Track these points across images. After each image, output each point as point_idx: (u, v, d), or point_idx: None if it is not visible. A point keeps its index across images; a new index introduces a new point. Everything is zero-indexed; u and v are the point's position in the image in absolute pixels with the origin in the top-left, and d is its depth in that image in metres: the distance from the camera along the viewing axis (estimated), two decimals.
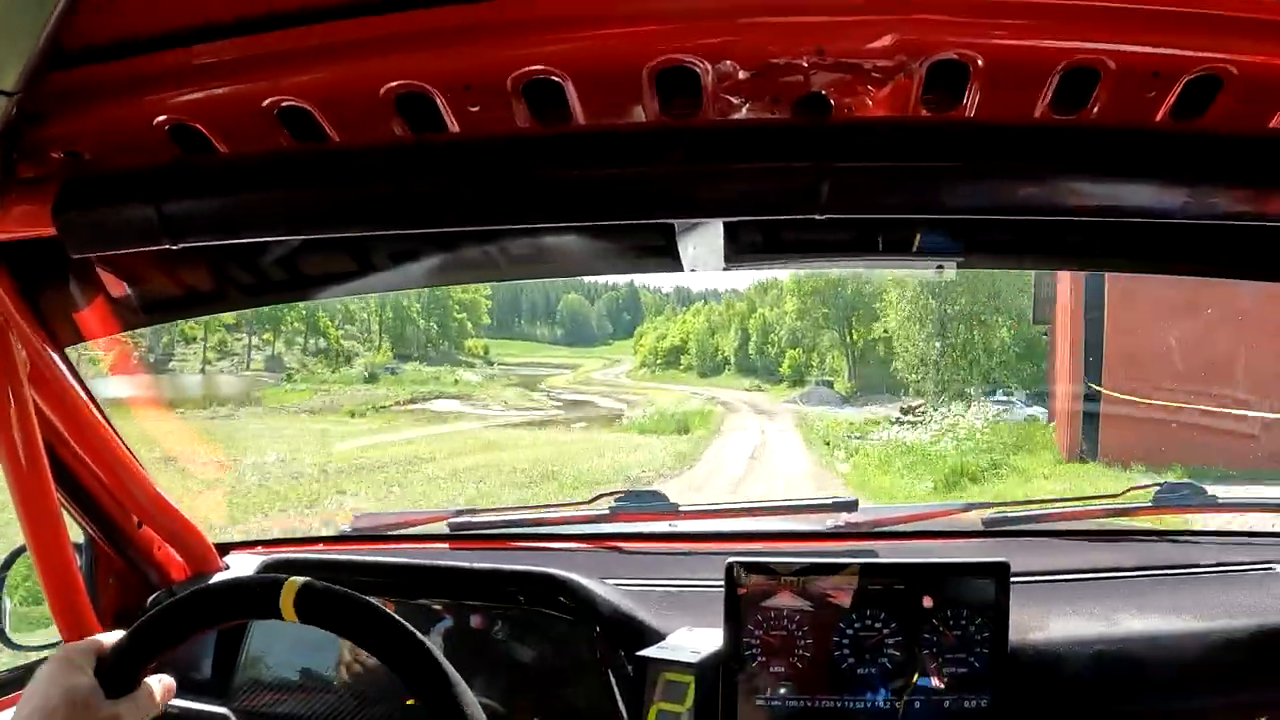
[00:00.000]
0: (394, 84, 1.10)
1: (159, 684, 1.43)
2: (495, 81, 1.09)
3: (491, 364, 64.64)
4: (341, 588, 1.36)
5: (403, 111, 1.14)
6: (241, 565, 2.28)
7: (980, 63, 1.09)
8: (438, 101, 1.12)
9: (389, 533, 2.46)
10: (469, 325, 69.90)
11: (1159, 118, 1.17)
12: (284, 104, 1.13)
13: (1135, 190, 1.26)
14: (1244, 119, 1.18)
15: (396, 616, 1.35)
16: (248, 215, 1.28)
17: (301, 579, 1.34)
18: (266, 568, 2.20)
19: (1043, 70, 1.11)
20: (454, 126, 1.16)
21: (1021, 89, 1.14)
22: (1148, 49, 1.08)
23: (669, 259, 1.70)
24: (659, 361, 65.33)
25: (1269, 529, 2.59)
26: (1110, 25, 1.05)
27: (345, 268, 1.80)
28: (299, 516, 14.80)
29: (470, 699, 1.32)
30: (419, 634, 1.34)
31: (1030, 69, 1.11)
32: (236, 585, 1.50)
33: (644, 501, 2.37)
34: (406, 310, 59.93)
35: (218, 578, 2.20)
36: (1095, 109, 1.16)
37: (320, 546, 2.47)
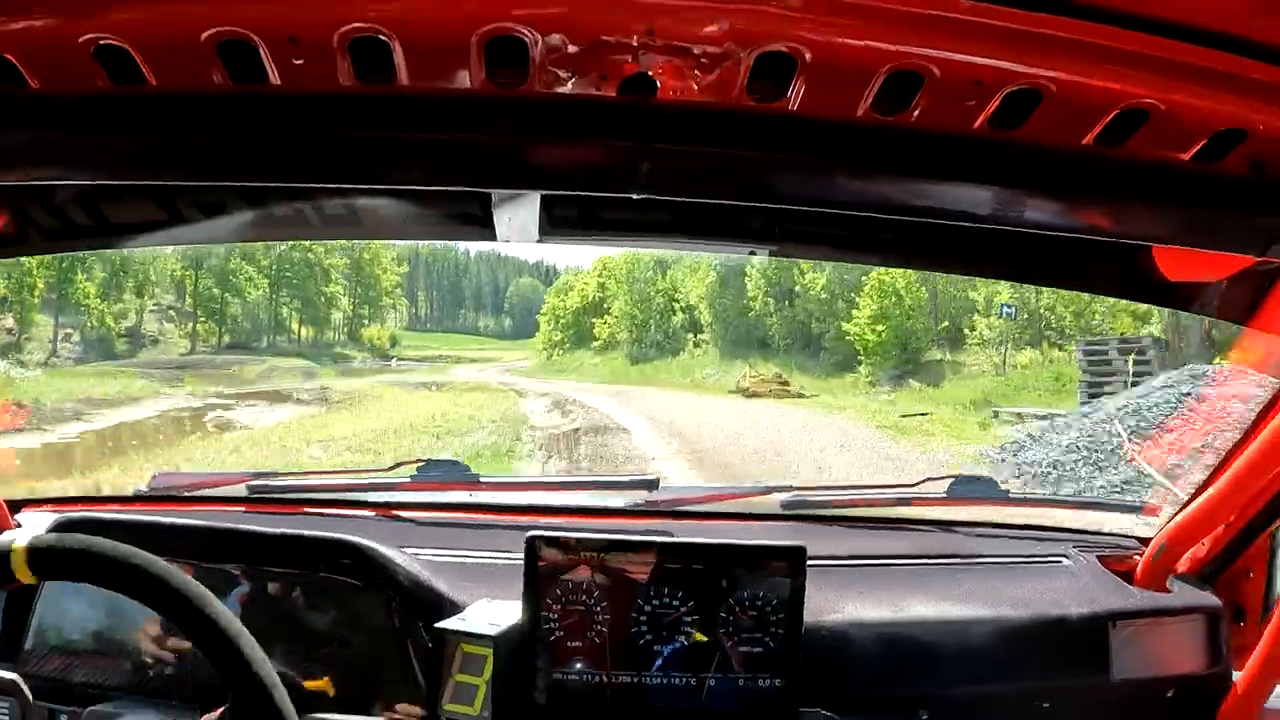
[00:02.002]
0: (217, 29, 1.04)
1: None
2: (321, 35, 1.05)
3: (388, 358, 61.07)
4: (78, 536, 1.31)
5: (225, 59, 1.09)
6: (33, 523, 2.17)
7: (808, 57, 1.09)
8: (260, 51, 1.07)
9: (187, 494, 2.38)
10: (366, 310, 66.08)
11: (977, 125, 1.21)
12: (102, 41, 1.06)
13: (948, 193, 1.30)
14: (1058, 134, 1.23)
15: (147, 556, 1.30)
16: (55, 156, 1.21)
17: (30, 535, 1.29)
18: (59, 526, 2.10)
19: (868, 71, 1.12)
20: (276, 79, 1.12)
21: (846, 87, 1.15)
22: (972, 59, 1.10)
23: (484, 228, 1.68)
24: (563, 343, 58.71)
25: (1058, 524, 2.72)
26: (938, 34, 1.07)
27: (154, 216, 1.72)
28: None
29: (239, 629, 1.30)
30: (173, 569, 1.30)
31: (856, 68, 1.12)
32: None
33: (445, 471, 2.35)
34: (253, 286, 56.29)
35: (6, 535, 2.09)
36: (916, 112, 1.18)
37: (116, 506, 2.37)
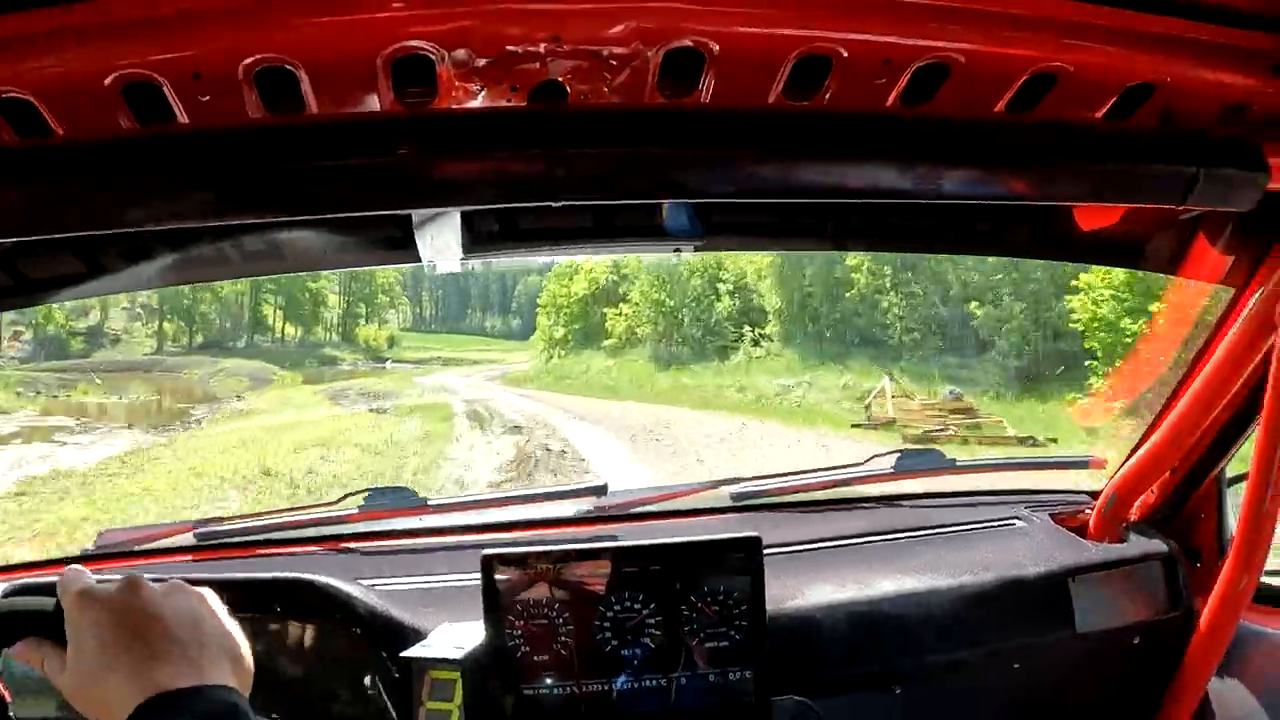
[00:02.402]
0: (119, 73, 1.02)
1: None
2: (226, 70, 1.04)
3: (382, 360, 57.70)
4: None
5: (130, 102, 1.07)
6: None
7: (715, 50, 1.10)
8: (166, 91, 1.06)
9: (135, 549, 2.33)
10: (362, 309, 63.53)
11: (889, 103, 1.22)
12: (4, 95, 1.04)
13: (867, 172, 1.31)
14: (970, 104, 1.24)
15: None
16: None
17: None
18: (9, 593, 2.05)
19: (777, 58, 1.13)
20: (184, 118, 1.10)
21: (756, 76, 1.16)
22: (878, 38, 1.11)
23: (407, 251, 1.67)
24: (565, 341, 45.87)
25: (1008, 487, 2.75)
26: (842, 15, 1.08)
27: (72, 269, 1.69)
28: None
29: None
30: None
31: (765, 57, 1.13)
32: None
33: (391, 498, 2.32)
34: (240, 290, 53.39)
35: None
36: (828, 95, 1.19)
37: (60, 570, 2.32)
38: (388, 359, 58.46)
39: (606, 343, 42.42)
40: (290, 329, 60.16)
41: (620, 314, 41.97)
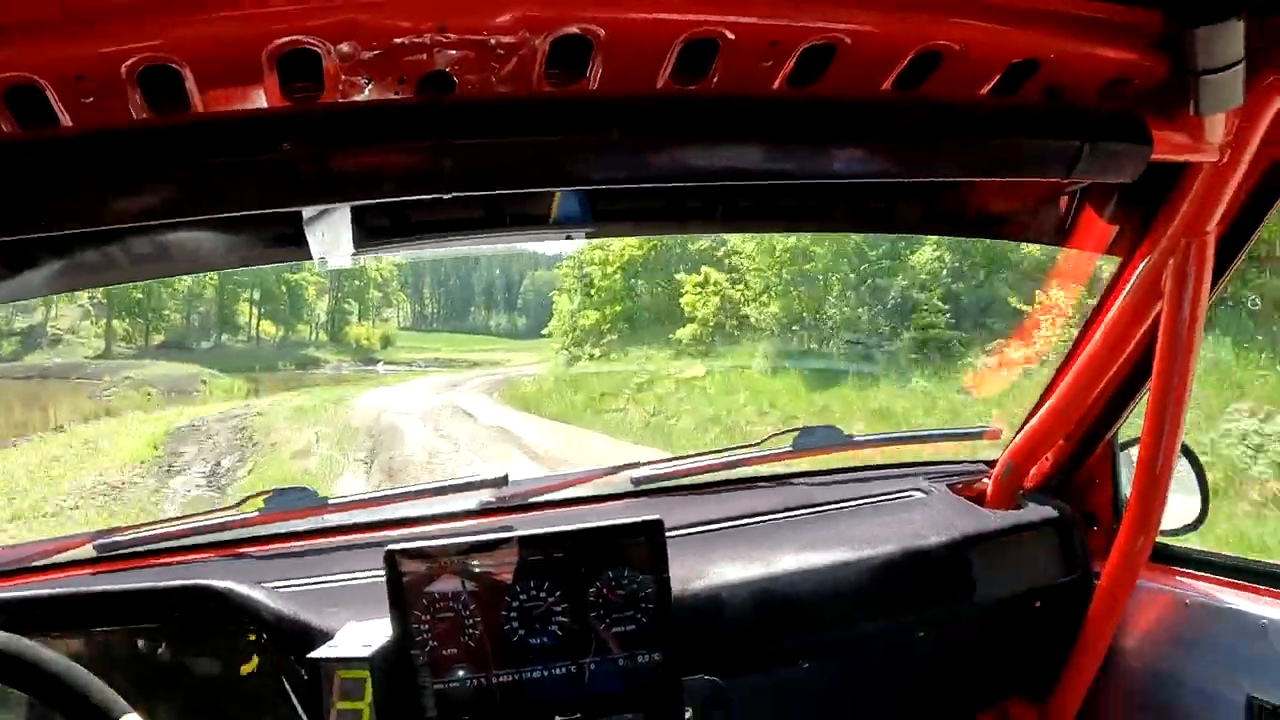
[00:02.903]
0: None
1: None
2: (108, 70, 1.03)
3: (374, 361, 54.44)
4: None
5: (11, 106, 1.06)
6: None
7: (601, 35, 1.11)
8: (48, 94, 1.04)
9: (30, 565, 2.28)
10: (351, 305, 59.25)
11: (777, 85, 1.24)
12: None
13: (754, 154, 1.34)
14: (857, 84, 1.27)
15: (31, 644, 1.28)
16: None
17: None
18: None
19: (663, 42, 1.14)
20: (66, 120, 1.09)
21: (644, 61, 1.17)
22: (764, 20, 1.13)
23: (299, 248, 1.66)
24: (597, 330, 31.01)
25: (905, 461, 2.81)
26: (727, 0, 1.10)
27: None
28: None
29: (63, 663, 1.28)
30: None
31: (651, 41, 1.14)
32: None
33: (291, 499, 2.30)
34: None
35: None
36: (715, 78, 1.21)
37: None
38: (379, 360, 55.50)
39: (681, 333, 25.79)
40: (270, 327, 57.32)
41: (708, 287, 25.50)
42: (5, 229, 1.22)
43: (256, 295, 55.13)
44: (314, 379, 44.43)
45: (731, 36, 1.15)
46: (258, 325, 56.64)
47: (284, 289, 54.50)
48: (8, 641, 1.29)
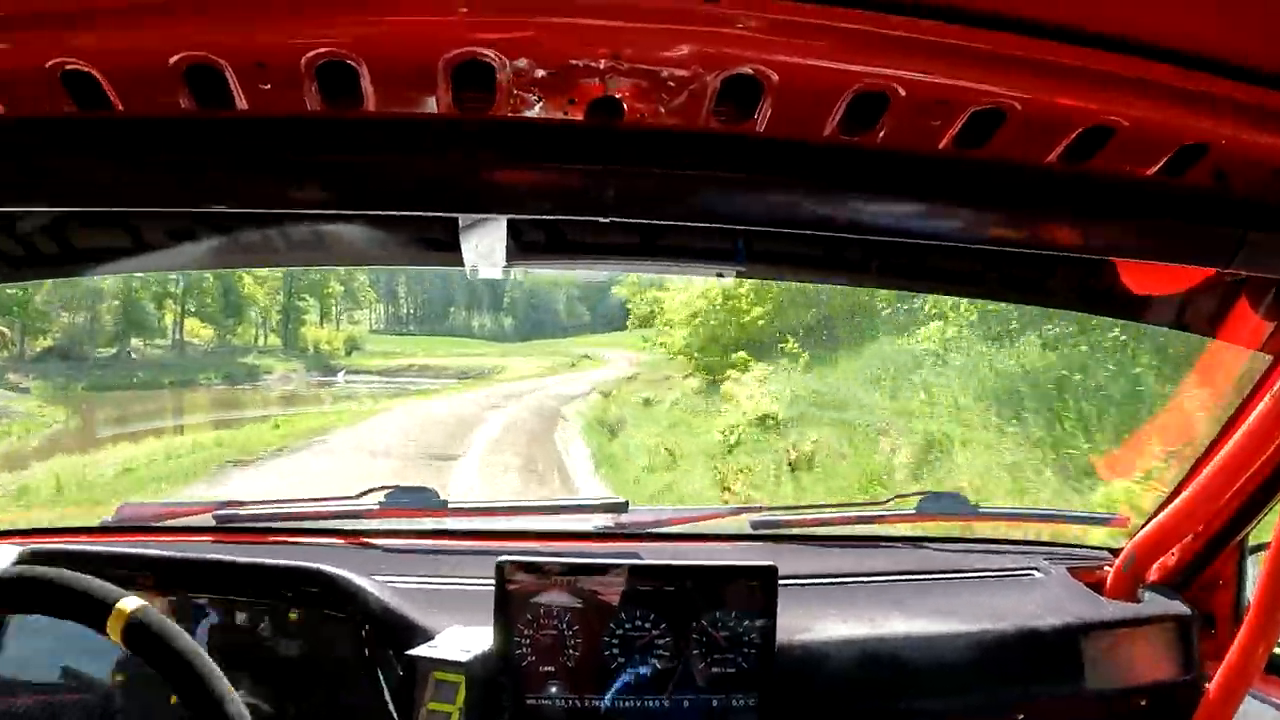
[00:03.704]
0: (184, 54, 1.04)
1: None
2: (289, 61, 1.05)
3: (334, 371, 49.29)
4: (173, 625, 1.32)
5: (192, 85, 1.09)
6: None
7: (774, 79, 1.10)
8: (228, 76, 1.07)
9: (153, 524, 2.35)
10: (307, 303, 52.94)
11: (943, 145, 1.22)
12: (67, 67, 1.06)
13: (913, 212, 1.31)
14: (1023, 152, 1.24)
15: (213, 668, 1.32)
16: (16, 183, 1.20)
17: (138, 604, 1.31)
18: (24, 559, 2.07)
19: (834, 92, 1.13)
20: (243, 104, 1.11)
21: (812, 108, 1.16)
22: (937, 80, 1.11)
23: (451, 253, 1.68)
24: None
25: (1028, 537, 2.73)
26: (903, 54, 1.08)
27: (118, 243, 1.71)
28: None
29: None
30: (230, 691, 1.32)
31: (822, 90, 1.13)
32: (72, 586, 1.42)
33: (412, 497, 2.33)
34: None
35: None
36: (882, 133, 1.19)
37: (83, 537, 2.34)
38: (341, 369, 49.84)
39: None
40: (199, 328, 48.34)
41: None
42: (171, 201, 1.26)
43: (179, 288, 45.68)
44: (244, 398, 37.68)
45: (903, 93, 1.13)
46: (181, 325, 47.22)
47: (216, 280, 45.77)
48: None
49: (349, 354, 55.09)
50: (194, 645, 1.33)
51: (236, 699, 1.32)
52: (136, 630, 1.30)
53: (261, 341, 53.30)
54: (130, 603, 1.31)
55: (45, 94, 1.09)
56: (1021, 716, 2.17)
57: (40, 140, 1.15)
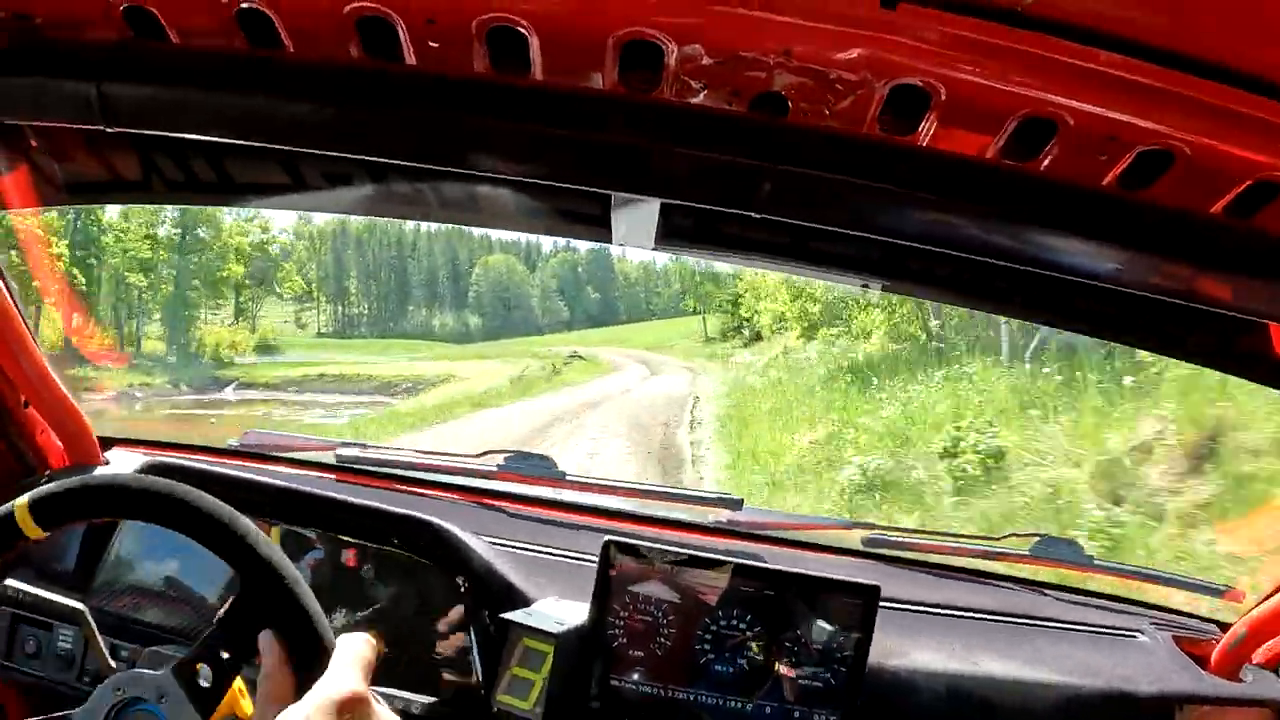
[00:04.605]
0: (358, 4, 1.07)
1: None
2: (460, 20, 1.07)
3: (223, 383, 40.86)
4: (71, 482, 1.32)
5: (362, 34, 1.12)
6: (122, 462, 2.24)
7: (943, 95, 1.09)
8: (399, 30, 1.10)
9: (276, 454, 2.43)
10: (201, 294, 42.40)
11: (1106, 181, 1.19)
12: (244, 4, 1.10)
13: (1069, 247, 1.28)
14: (1188, 199, 1.20)
15: (266, 541, 1.33)
16: (188, 111, 1.24)
17: (27, 496, 1.30)
18: (147, 469, 2.16)
19: (1003, 113, 1.11)
20: (410, 59, 1.14)
21: (978, 127, 1.14)
22: (1109, 113, 1.09)
23: (601, 229, 1.70)
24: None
25: (1138, 597, 2.65)
26: (1077, 83, 1.06)
27: (275, 180, 1.76)
28: None
29: (245, 525, 1.31)
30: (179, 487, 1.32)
31: (991, 110, 1.11)
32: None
33: (531, 464, 2.35)
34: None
35: (96, 471, 2.16)
36: (1046, 161, 1.17)
37: (207, 456, 2.43)
38: (233, 380, 41.55)
39: None
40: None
41: None
42: (331, 145, 1.29)
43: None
44: None
45: (1072, 123, 1.10)
46: None
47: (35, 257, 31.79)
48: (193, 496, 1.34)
49: (262, 358, 46.88)
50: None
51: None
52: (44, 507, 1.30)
53: (138, 334, 44.94)
54: (21, 499, 1.30)
55: (219, 29, 1.14)
56: None
57: (210, 72, 1.20)
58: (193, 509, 1.30)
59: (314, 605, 1.31)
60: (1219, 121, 1.08)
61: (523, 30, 1.07)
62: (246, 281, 51.51)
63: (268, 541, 1.31)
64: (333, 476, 2.38)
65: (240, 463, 2.40)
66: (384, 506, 2.04)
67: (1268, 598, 2.27)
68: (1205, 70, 1.03)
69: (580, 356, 51.29)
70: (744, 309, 44.80)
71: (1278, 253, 1.28)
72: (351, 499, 2.05)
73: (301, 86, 1.20)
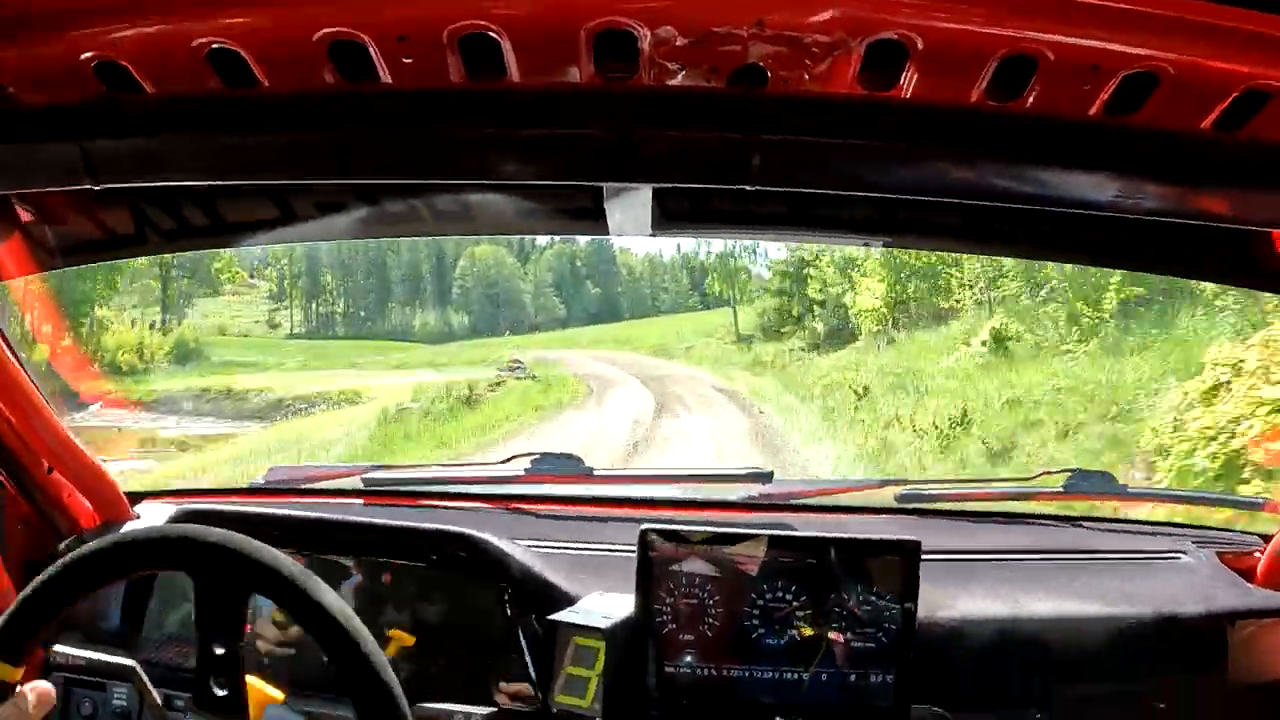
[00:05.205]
0: (327, 30, 1.07)
1: (33, 693, 1.43)
2: (431, 33, 1.07)
3: (79, 407, 28.67)
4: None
5: (335, 59, 1.12)
6: (152, 515, 2.24)
7: (919, 45, 1.09)
8: (371, 51, 1.10)
9: (303, 486, 2.44)
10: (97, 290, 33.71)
11: (1093, 111, 1.19)
12: (214, 45, 1.10)
13: (1065, 180, 1.28)
14: (1177, 118, 1.20)
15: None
16: (172, 158, 1.25)
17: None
18: (178, 518, 2.17)
19: (981, 56, 1.11)
20: (386, 77, 1.14)
21: (959, 73, 1.14)
22: (1087, 42, 1.09)
23: (596, 222, 1.70)
24: None
25: (1177, 519, 2.65)
26: (1051, 16, 1.06)
27: (268, 215, 1.77)
28: None
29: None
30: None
31: (969, 54, 1.11)
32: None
33: (558, 463, 2.36)
34: None
35: (128, 526, 2.17)
36: (1030, 98, 1.17)
37: (234, 498, 2.44)
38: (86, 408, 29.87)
39: None
40: None
41: None
42: (320, 174, 1.30)
43: None
44: None
45: (1052, 57, 1.10)
46: None
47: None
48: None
49: (172, 367, 39.35)
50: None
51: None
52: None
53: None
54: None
55: (192, 73, 1.13)
56: (1163, 705, 2.10)
57: (190, 118, 1.20)
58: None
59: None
60: (1198, 37, 1.08)
61: (494, 34, 1.07)
62: (171, 273, 43.71)
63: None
64: (359, 502, 2.39)
65: (268, 499, 2.40)
66: (417, 524, 2.04)
67: None
68: None
69: (533, 376, 34.32)
70: (812, 288, 34.15)
71: (1272, 161, 1.28)
72: (383, 521, 2.06)
73: (281, 120, 1.20)
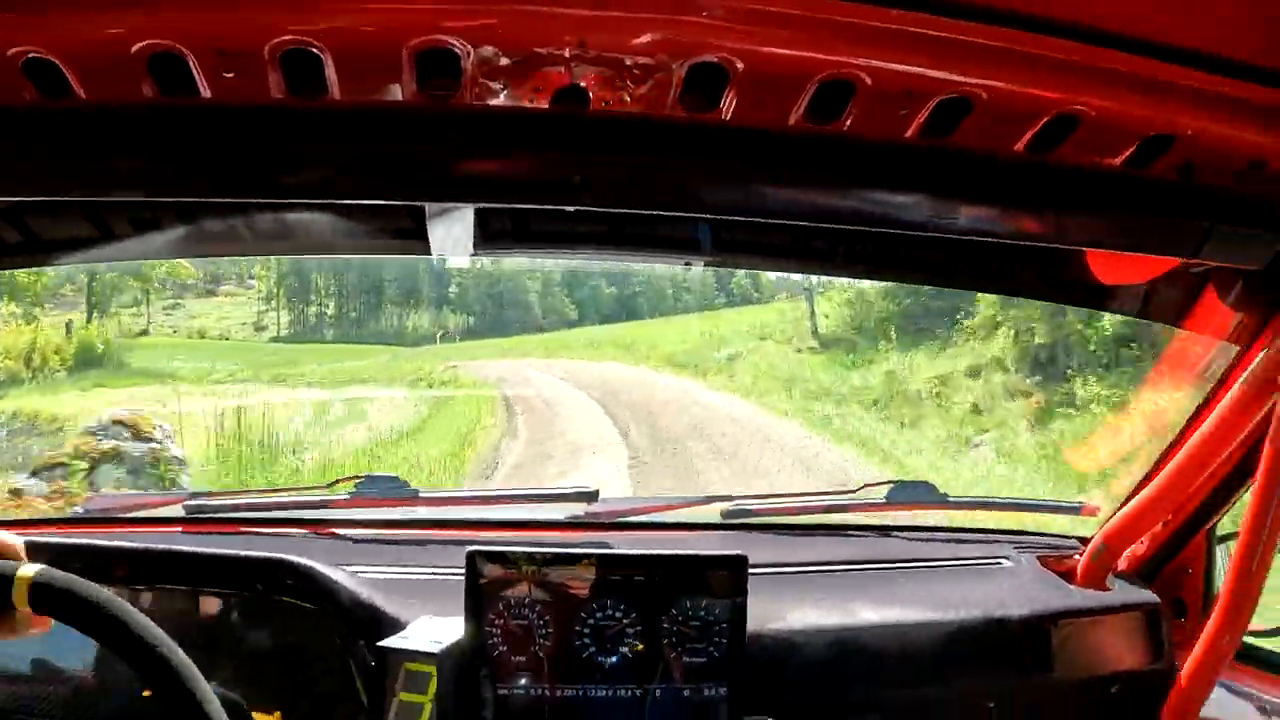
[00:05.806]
0: (146, 42, 1.04)
1: None
2: (251, 48, 1.05)
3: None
4: (79, 579, 1.29)
5: (154, 72, 1.08)
6: None
7: (740, 68, 1.11)
8: (190, 64, 1.06)
9: (123, 515, 2.34)
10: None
11: (909, 134, 1.22)
12: (29, 55, 1.05)
13: (881, 201, 1.32)
14: (990, 141, 1.25)
15: (134, 611, 1.29)
16: None
17: (37, 568, 1.26)
18: None
19: (800, 80, 1.13)
20: (206, 92, 1.11)
21: (778, 96, 1.17)
22: (902, 68, 1.12)
23: (418, 242, 1.68)
24: None
25: (998, 526, 2.75)
26: (869, 43, 1.09)
27: (83, 233, 1.70)
28: None
29: (208, 695, 1.28)
30: (157, 629, 1.29)
31: (788, 78, 1.13)
32: None
33: (383, 487, 2.33)
34: None
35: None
36: (849, 121, 1.20)
37: (54, 529, 2.33)
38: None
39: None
40: None
41: None
42: (134, 190, 1.25)
43: None
44: None
45: (868, 81, 1.14)
46: None
47: None
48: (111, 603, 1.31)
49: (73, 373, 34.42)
50: (112, 597, 1.29)
51: (172, 644, 1.30)
52: (43, 592, 1.27)
53: None
54: (30, 569, 1.27)
55: (6, 83, 1.08)
56: (992, 705, 2.18)
57: (2, 129, 1.15)
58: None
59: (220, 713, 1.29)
60: (1008, 64, 1.13)
61: (316, 51, 1.06)
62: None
63: (167, 641, 1.29)
64: (180, 530, 2.31)
65: (87, 530, 2.30)
66: (241, 553, 1.98)
67: (1121, 507, 2.38)
68: (989, 16, 1.07)
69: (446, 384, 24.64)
70: None
71: (1082, 183, 1.34)
72: (207, 550, 1.99)
73: (95, 134, 1.16)
